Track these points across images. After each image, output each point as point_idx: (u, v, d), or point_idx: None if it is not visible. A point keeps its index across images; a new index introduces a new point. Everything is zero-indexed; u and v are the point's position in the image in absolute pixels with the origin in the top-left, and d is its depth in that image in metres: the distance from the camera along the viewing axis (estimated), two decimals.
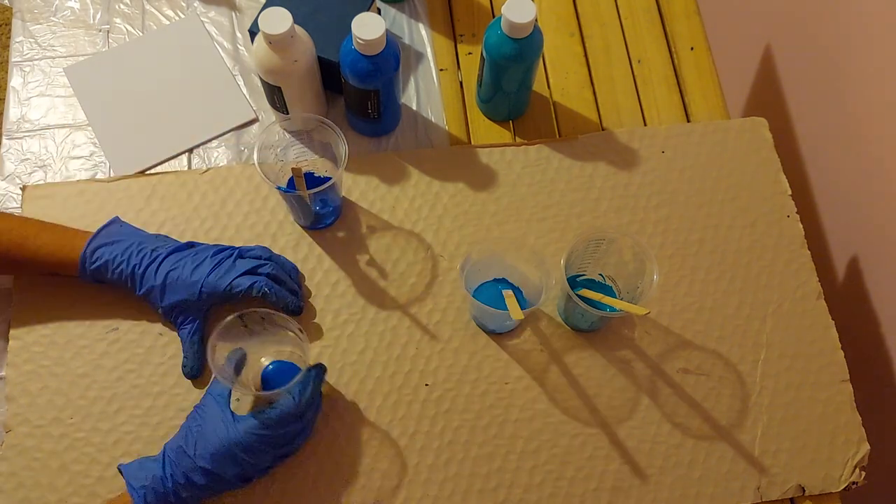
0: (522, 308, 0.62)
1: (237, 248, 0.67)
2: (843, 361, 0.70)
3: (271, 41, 0.64)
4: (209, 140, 0.77)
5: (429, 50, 0.83)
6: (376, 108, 0.71)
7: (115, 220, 0.68)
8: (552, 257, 0.73)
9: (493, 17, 0.85)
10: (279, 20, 0.63)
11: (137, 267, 0.64)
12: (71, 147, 0.76)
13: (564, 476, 0.65)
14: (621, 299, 0.67)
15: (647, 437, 0.67)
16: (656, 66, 0.84)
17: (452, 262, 0.72)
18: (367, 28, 0.64)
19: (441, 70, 0.82)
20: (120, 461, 0.64)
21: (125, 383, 0.66)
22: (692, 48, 0.85)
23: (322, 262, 0.72)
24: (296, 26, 0.65)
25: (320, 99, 0.75)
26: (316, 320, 0.69)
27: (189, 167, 0.76)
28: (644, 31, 0.85)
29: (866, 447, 0.67)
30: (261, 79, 0.70)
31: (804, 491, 0.66)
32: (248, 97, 0.79)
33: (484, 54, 0.71)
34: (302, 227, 0.73)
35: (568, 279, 0.63)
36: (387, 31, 0.65)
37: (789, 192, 0.77)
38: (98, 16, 0.83)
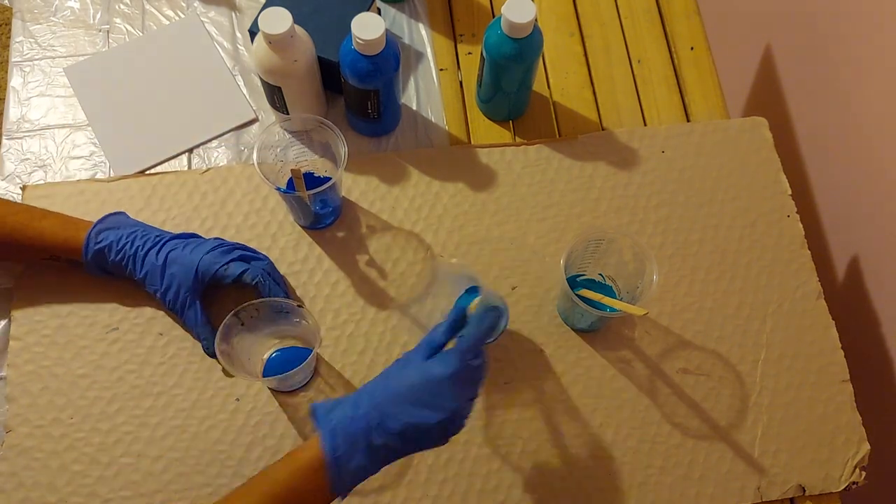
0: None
1: (241, 244, 0.68)
2: (844, 361, 0.70)
3: (271, 41, 0.64)
4: (209, 140, 0.77)
5: (429, 50, 0.83)
6: (376, 108, 0.71)
7: (122, 213, 0.68)
8: (552, 257, 0.73)
9: (493, 17, 0.85)
10: (279, 20, 0.63)
11: (140, 249, 0.64)
12: (71, 147, 0.76)
13: (564, 476, 0.65)
14: (621, 299, 0.67)
15: (647, 437, 0.67)
16: (656, 66, 0.83)
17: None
18: (367, 28, 0.64)
19: (441, 70, 0.82)
20: (120, 461, 0.64)
21: (125, 384, 0.66)
22: (692, 48, 0.85)
23: (322, 262, 0.72)
24: (296, 26, 0.65)
25: (320, 99, 0.75)
26: (316, 320, 0.69)
27: (189, 167, 0.76)
28: (644, 31, 0.85)
29: (866, 447, 0.67)
30: (261, 79, 0.70)
31: (804, 491, 0.66)
32: (248, 97, 0.79)
33: (484, 54, 0.71)
34: (302, 227, 0.73)
35: (568, 279, 0.63)
36: (386, 31, 0.65)
37: (789, 192, 0.77)
38: (98, 16, 0.83)
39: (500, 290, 0.71)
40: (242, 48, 0.82)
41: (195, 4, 0.84)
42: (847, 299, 0.83)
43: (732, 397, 0.69)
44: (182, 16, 0.83)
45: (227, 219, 0.73)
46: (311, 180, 0.72)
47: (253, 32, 0.74)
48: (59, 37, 0.81)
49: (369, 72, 0.67)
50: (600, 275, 0.71)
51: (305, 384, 0.67)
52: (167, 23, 0.83)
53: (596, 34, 0.85)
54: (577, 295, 0.62)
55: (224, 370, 0.66)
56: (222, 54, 0.81)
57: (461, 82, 0.82)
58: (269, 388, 0.67)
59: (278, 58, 0.66)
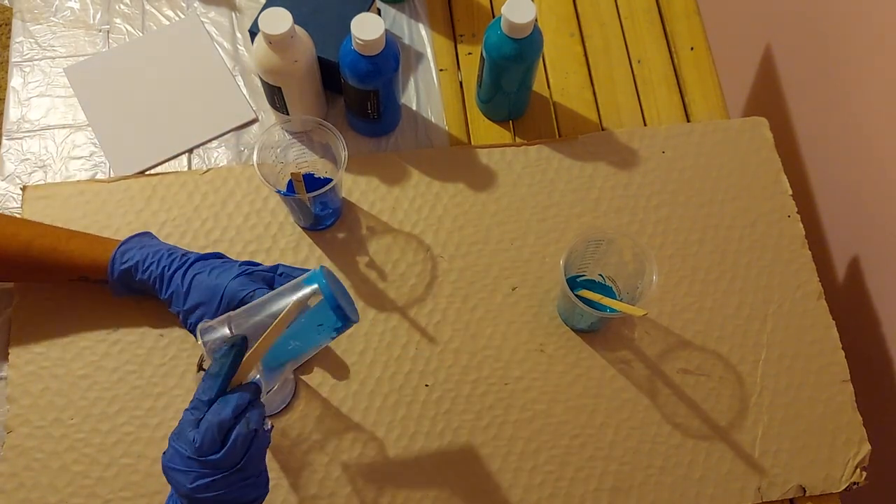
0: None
1: (267, 267, 0.66)
2: (844, 361, 0.70)
3: (271, 41, 0.64)
4: (209, 140, 0.77)
5: (429, 50, 0.83)
6: (376, 108, 0.71)
7: (148, 233, 0.68)
8: (552, 257, 0.73)
9: (493, 17, 0.85)
10: (279, 20, 0.63)
11: (167, 269, 0.63)
12: (71, 147, 0.76)
13: (564, 477, 0.65)
14: (621, 300, 0.67)
15: (647, 437, 0.67)
16: (656, 66, 0.83)
17: (452, 262, 0.72)
18: (367, 28, 0.64)
19: (441, 70, 0.82)
20: (120, 462, 0.64)
21: (126, 384, 0.66)
22: (692, 48, 0.85)
23: (322, 263, 0.72)
24: (296, 26, 0.65)
25: (320, 99, 0.75)
26: None
27: (189, 167, 0.76)
28: (644, 31, 0.85)
29: (867, 447, 0.67)
30: (261, 79, 0.70)
31: (805, 491, 0.66)
32: (248, 97, 0.79)
33: (484, 54, 0.71)
34: (302, 228, 0.73)
35: (568, 280, 0.63)
36: (386, 31, 0.65)
37: (790, 192, 0.77)
38: (98, 16, 0.83)
39: (500, 290, 0.71)
40: (242, 48, 0.82)
41: (195, 5, 0.84)
42: (847, 299, 0.83)
43: (732, 397, 0.69)
44: (182, 16, 0.83)
45: (228, 220, 0.73)
46: (312, 182, 0.72)
47: (253, 33, 0.74)
48: (59, 37, 0.81)
49: (369, 72, 0.67)
50: (600, 275, 0.71)
51: (285, 407, 0.66)
52: (167, 23, 0.83)
53: (596, 34, 0.85)
54: (576, 295, 0.62)
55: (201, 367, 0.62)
56: (222, 54, 0.81)
57: (461, 82, 0.82)
58: None
59: (278, 58, 0.66)
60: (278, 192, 0.64)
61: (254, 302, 0.54)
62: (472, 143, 0.79)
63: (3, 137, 0.77)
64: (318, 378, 0.68)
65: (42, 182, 0.75)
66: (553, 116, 0.81)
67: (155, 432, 0.65)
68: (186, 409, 0.49)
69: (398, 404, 0.67)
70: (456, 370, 0.68)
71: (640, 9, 0.86)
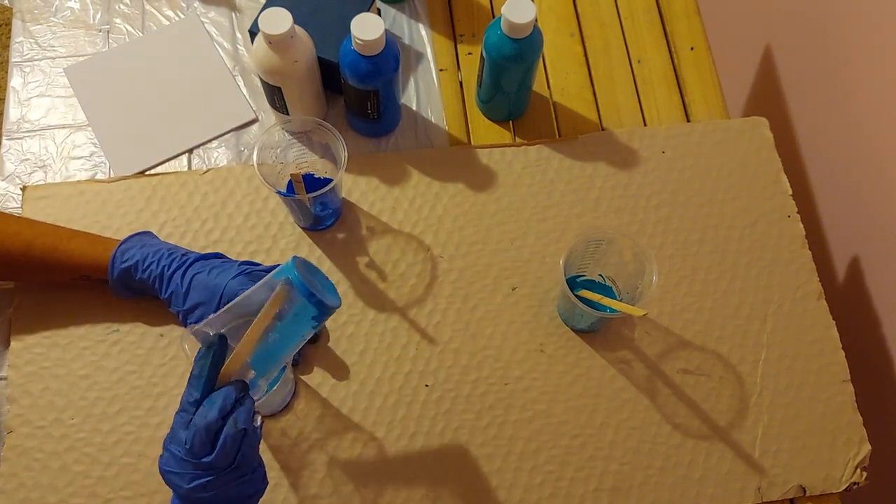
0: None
1: (268, 267, 0.67)
2: (844, 361, 0.70)
3: (271, 41, 0.64)
4: (209, 140, 0.77)
5: (429, 50, 0.83)
6: (376, 108, 0.71)
7: (148, 232, 0.68)
8: (552, 257, 0.73)
9: (493, 17, 0.85)
10: (279, 20, 0.63)
11: (166, 269, 0.64)
12: (71, 147, 0.76)
13: (564, 477, 0.65)
14: (621, 300, 0.67)
15: (647, 437, 0.67)
16: (656, 66, 0.83)
17: (452, 262, 0.72)
18: (366, 29, 0.64)
19: (441, 70, 0.82)
20: (120, 461, 0.64)
21: (126, 384, 0.67)
22: (692, 48, 0.85)
23: (322, 264, 0.72)
24: (296, 26, 0.65)
25: (320, 99, 0.75)
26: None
27: (189, 167, 0.76)
28: (644, 31, 0.85)
29: (867, 447, 0.67)
30: (261, 79, 0.70)
31: (805, 491, 0.66)
32: (248, 97, 0.79)
33: (484, 54, 0.71)
34: (302, 228, 0.73)
35: (568, 280, 0.63)
36: (386, 31, 0.65)
37: (790, 192, 0.77)
38: (98, 16, 0.83)
39: (500, 290, 0.71)
40: (242, 48, 0.82)
41: (195, 5, 0.84)
42: (847, 299, 0.83)
43: (732, 397, 0.69)
44: (182, 16, 0.83)
45: (228, 220, 0.73)
46: (311, 182, 0.72)
47: (253, 33, 0.74)
48: (59, 37, 0.81)
49: (369, 72, 0.67)
50: (600, 275, 0.71)
51: (285, 407, 0.66)
52: (167, 23, 0.83)
53: (596, 34, 0.85)
54: (576, 295, 0.62)
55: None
56: (222, 54, 0.81)
57: (461, 82, 0.82)
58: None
59: (278, 58, 0.66)
60: (278, 192, 0.64)
61: (231, 303, 0.53)
62: (472, 143, 0.79)
63: (3, 137, 0.77)
64: (318, 378, 0.68)
65: (42, 182, 0.75)
66: (553, 116, 0.81)
67: (156, 432, 0.65)
68: (176, 412, 0.49)
69: (398, 404, 0.67)
70: (456, 370, 0.68)
71: (640, 9, 0.86)
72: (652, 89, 0.82)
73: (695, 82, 0.83)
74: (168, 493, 0.62)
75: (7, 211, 0.73)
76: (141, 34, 0.82)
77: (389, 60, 0.67)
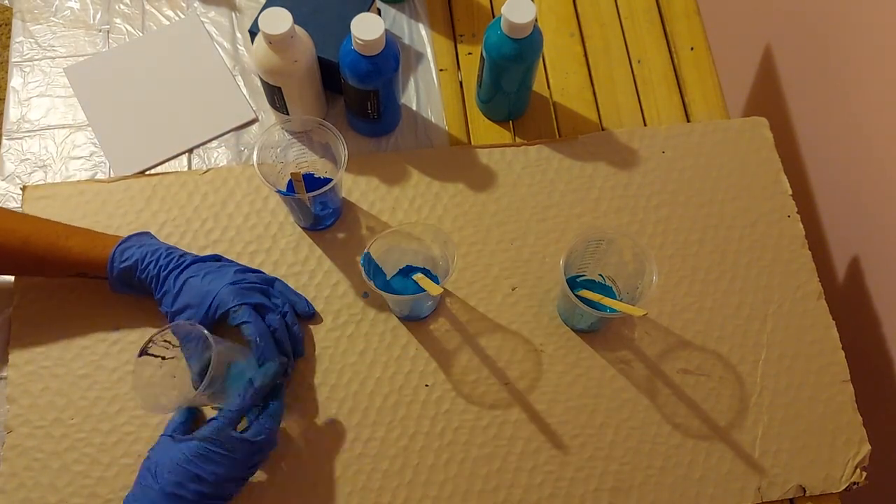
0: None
1: (265, 275, 0.68)
2: (844, 361, 0.70)
3: (271, 41, 0.64)
4: (209, 140, 0.77)
5: (429, 50, 0.83)
6: (376, 108, 0.71)
7: (147, 233, 0.68)
8: (552, 257, 0.73)
9: (493, 17, 0.85)
10: (279, 20, 0.63)
11: (163, 269, 0.64)
12: (71, 147, 0.76)
13: (564, 476, 0.65)
14: (621, 300, 0.67)
15: (647, 437, 0.67)
16: (656, 66, 0.83)
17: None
18: (367, 28, 0.64)
19: (441, 70, 0.82)
20: (121, 462, 0.64)
21: (126, 384, 0.66)
22: (692, 48, 0.85)
23: (322, 263, 0.72)
24: (296, 26, 0.65)
25: (320, 99, 0.75)
26: (316, 321, 0.69)
27: (189, 167, 0.76)
28: (644, 31, 0.85)
29: (867, 447, 0.67)
30: (261, 79, 0.70)
31: (805, 491, 0.66)
32: (248, 97, 0.79)
33: (484, 54, 0.71)
34: (302, 228, 0.73)
35: (568, 280, 0.63)
36: (386, 31, 0.65)
37: (790, 192, 0.77)
38: (98, 16, 0.83)
39: (500, 290, 0.71)
40: (242, 48, 0.82)
41: (195, 4, 0.84)
42: (847, 299, 0.83)
43: (732, 397, 0.69)
44: (182, 16, 0.83)
45: (228, 220, 0.73)
46: (312, 181, 0.72)
47: (253, 32, 0.74)
48: (59, 37, 0.81)
49: (369, 72, 0.67)
50: (600, 275, 0.71)
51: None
52: (167, 23, 0.83)
53: (596, 34, 0.85)
54: (576, 295, 0.62)
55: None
56: (222, 54, 0.81)
57: (461, 82, 0.82)
58: None
59: (278, 58, 0.66)
60: (278, 191, 0.64)
61: (230, 346, 0.59)
62: (472, 143, 0.79)
63: (3, 137, 0.77)
64: (318, 378, 0.68)
65: (42, 182, 0.75)
66: (553, 116, 0.81)
67: (156, 432, 0.65)
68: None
69: (398, 404, 0.67)
70: (456, 370, 0.68)
71: (640, 9, 0.86)
72: (652, 89, 0.82)
73: (695, 82, 0.83)
74: None
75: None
76: (141, 34, 0.82)
77: (389, 60, 0.67)
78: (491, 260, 0.72)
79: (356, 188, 0.75)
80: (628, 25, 0.85)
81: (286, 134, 0.71)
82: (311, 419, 0.66)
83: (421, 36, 0.83)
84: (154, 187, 0.74)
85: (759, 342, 0.71)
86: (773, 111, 0.93)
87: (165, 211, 0.73)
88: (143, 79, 0.80)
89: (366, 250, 0.62)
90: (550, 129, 0.80)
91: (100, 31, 0.82)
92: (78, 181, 0.74)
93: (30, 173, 0.75)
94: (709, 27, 0.86)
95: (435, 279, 0.67)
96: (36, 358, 0.67)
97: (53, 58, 0.80)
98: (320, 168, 0.72)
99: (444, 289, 0.62)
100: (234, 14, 0.83)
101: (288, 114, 0.73)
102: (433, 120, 0.79)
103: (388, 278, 0.69)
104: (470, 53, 0.83)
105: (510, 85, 0.73)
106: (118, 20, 0.83)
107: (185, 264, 0.64)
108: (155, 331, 0.57)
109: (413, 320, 0.69)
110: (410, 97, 0.80)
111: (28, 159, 0.76)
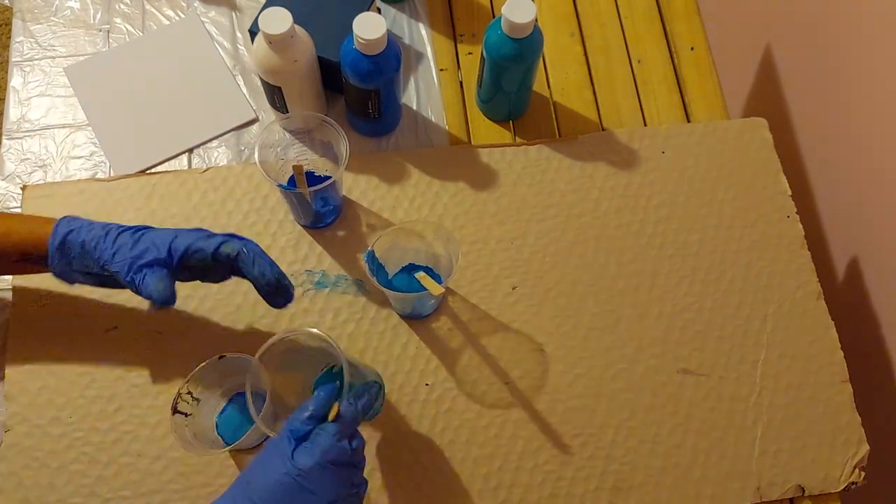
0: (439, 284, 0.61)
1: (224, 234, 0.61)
2: (843, 362, 0.70)
3: (271, 41, 0.64)
4: (209, 140, 0.77)
5: (429, 50, 0.83)
6: (377, 107, 0.72)
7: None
8: (552, 257, 0.73)
9: (493, 17, 0.85)
10: (279, 20, 0.63)
11: (113, 230, 0.58)
12: (71, 147, 0.76)
13: (565, 476, 0.65)
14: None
15: (647, 437, 0.67)
16: (656, 66, 0.84)
17: None
18: (369, 28, 0.64)
19: (441, 70, 0.82)
20: (119, 461, 0.64)
21: (125, 382, 0.66)
22: (692, 48, 0.85)
23: (322, 261, 0.72)
24: (296, 26, 0.65)
25: (320, 99, 0.75)
26: (316, 320, 0.69)
27: (189, 167, 0.76)
28: (644, 31, 0.85)
29: (866, 447, 0.67)
30: (261, 79, 0.70)
31: (804, 491, 0.66)
32: (248, 97, 0.79)
33: (484, 54, 0.71)
34: (302, 226, 0.73)
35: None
36: (388, 30, 0.65)
37: (789, 193, 0.77)
38: (98, 16, 0.83)
39: (501, 290, 0.71)
40: (242, 48, 0.82)
41: (195, 4, 0.84)
42: (847, 300, 0.83)
43: (732, 397, 0.69)
44: (182, 16, 0.83)
45: (227, 218, 0.73)
46: (312, 179, 0.72)
47: (253, 32, 0.74)
48: (60, 37, 0.81)
49: (370, 71, 0.67)
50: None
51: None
52: (167, 23, 0.83)
53: (596, 34, 0.85)
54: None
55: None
56: (222, 54, 0.81)
57: (461, 82, 0.82)
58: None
59: (278, 58, 0.66)
60: (280, 186, 0.64)
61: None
62: (472, 142, 0.79)
63: (3, 137, 0.77)
64: None
65: (42, 182, 0.75)
66: (553, 116, 0.81)
67: (154, 431, 0.65)
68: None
69: (398, 403, 0.67)
70: (456, 369, 0.68)
71: (640, 9, 0.86)
72: (652, 89, 0.82)
73: (695, 82, 0.83)
74: (167, 493, 0.63)
75: (8, 211, 0.73)
76: (141, 34, 0.82)
77: (391, 60, 0.67)
78: (491, 259, 0.72)
79: (356, 187, 0.75)
80: (628, 25, 0.86)
81: (287, 133, 0.71)
82: None
83: (421, 36, 0.83)
84: (154, 186, 0.74)
85: (759, 342, 0.71)
86: (773, 111, 0.93)
87: (165, 209, 0.73)
88: (143, 78, 0.80)
89: (370, 248, 0.62)
90: (550, 129, 0.80)
91: (100, 30, 0.82)
92: (78, 181, 0.74)
93: (30, 173, 0.75)
94: (709, 27, 0.87)
95: (437, 277, 0.67)
96: (34, 356, 0.67)
97: (53, 57, 0.80)
98: (321, 167, 0.72)
99: (447, 287, 0.61)
100: (234, 14, 0.83)
101: (288, 114, 0.73)
102: (433, 119, 0.79)
103: (390, 276, 0.69)
104: (470, 53, 0.83)
105: (510, 85, 0.73)
106: (118, 20, 0.83)
107: (141, 228, 0.59)
108: (181, 382, 0.57)
109: (415, 318, 0.69)
110: (411, 97, 0.80)
111: (28, 159, 0.76)
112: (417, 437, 0.66)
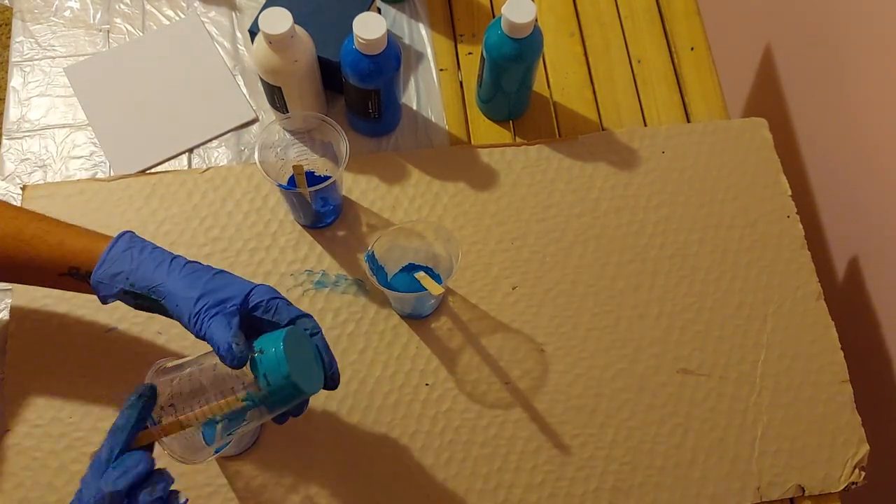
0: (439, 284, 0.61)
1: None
2: (843, 362, 0.70)
3: (271, 41, 0.64)
4: (209, 140, 0.77)
5: (429, 50, 0.83)
6: (377, 107, 0.72)
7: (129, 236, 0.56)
8: (552, 257, 0.73)
9: (493, 17, 0.85)
10: (279, 20, 0.63)
11: (179, 257, 0.54)
12: (71, 147, 0.76)
13: (564, 476, 0.65)
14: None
15: (647, 437, 0.67)
16: (656, 66, 0.84)
17: None
18: (369, 27, 0.64)
19: (441, 70, 0.82)
20: None
21: (124, 383, 0.66)
22: (692, 48, 0.85)
23: (322, 261, 0.72)
24: (296, 26, 0.65)
25: (320, 99, 0.75)
26: (316, 319, 0.69)
27: (189, 167, 0.76)
28: (644, 31, 0.85)
29: (866, 448, 0.67)
30: (261, 79, 0.70)
31: (804, 491, 0.66)
32: (248, 97, 0.79)
33: (484, 54, 0.71)
34: (302, 225, 0.73)
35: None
36: (388, 30, 0.65)
37: (789, 193, 0.77)
38: (98, 16, 0.83)
39: (501, 290, 0.71)
40: (242, 48, 0.82)
41: (195, 4, 0.84)
42: (847, 300, 0.83)
43: (732, 397, 0.69)
44: (182, 16, 0.83)
45: (227, 218, 0.73)
46: (312, 180, 0.72)
47: (253, 32, 0.74)
48: (59, 37, 0.81)
49: (371, 71, 0.67)
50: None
51: (255, 440, 0.64)
52: (167, 23, 0.83)
53: (596, 34, 0.85)
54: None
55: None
56: (222, 54, 0.81)
57: (461, 82, 0.82)
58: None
59: (278, 58, 0.66)
60: (280, 186, 0.64)
61: (196, 358, 0.48)
62: (472, 142, 0.79)
63: (3, 137, 0.77)
64: None
65: (42, 182, 0.75)
66: (553, 116, 0.81)
67: None
68: (91, 463, 0.44)
69: (398, 403, 0.67)
70: (457, 369, 0.68)
71: (640, 9, 0.86)
72: (652, 89, 0.82)
73: (695, 82, 0.83)
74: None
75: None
76: (141, 34, 0.82)
77: (391, 59, 0.67)
78: (491, 259, 0.72)
79: (356, 187, 0.75)
80: (628, 25, 0.86)
81: (287, 133, 0.71)
82: (311, 419, 0.66)
83: (421, 36, 0.83)
84: (153, 186, 0.74)
85: (759, 342, 0.71)
86: (773, 111, 0.93)
87: (165, 209, 0.73)
88: (143, 79, 0.80)
89: (370, 248, 0.62)
90: (550, 129, 0.80)
91: (100, 30, 0.82)
92: (78, 180, 0.74)
93: (30, 173, 0.75)
94: (709, 27, 0.87)
95: (437, 277, 0.67)
96: (33, 356, 0.67)
97: (53, 57, 0.80)
98: (321, 167, 0.72)
99: (446, 287, 0.62)
100: (234, 14, 0.83)
101: (288, 114, 0.73)
102: (433, 120, 0.79)
103: (389, 277, 0.69)
104: (470, 53, 0.83)
105: (510, 85, 0.73)
106: (118, 20, 0.83)
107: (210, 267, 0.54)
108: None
109: (415, 318, 0.69)
110: (411, 97, 0.80)
111: (28, 159, 0.76)
112: (417, 437, 0.66)
